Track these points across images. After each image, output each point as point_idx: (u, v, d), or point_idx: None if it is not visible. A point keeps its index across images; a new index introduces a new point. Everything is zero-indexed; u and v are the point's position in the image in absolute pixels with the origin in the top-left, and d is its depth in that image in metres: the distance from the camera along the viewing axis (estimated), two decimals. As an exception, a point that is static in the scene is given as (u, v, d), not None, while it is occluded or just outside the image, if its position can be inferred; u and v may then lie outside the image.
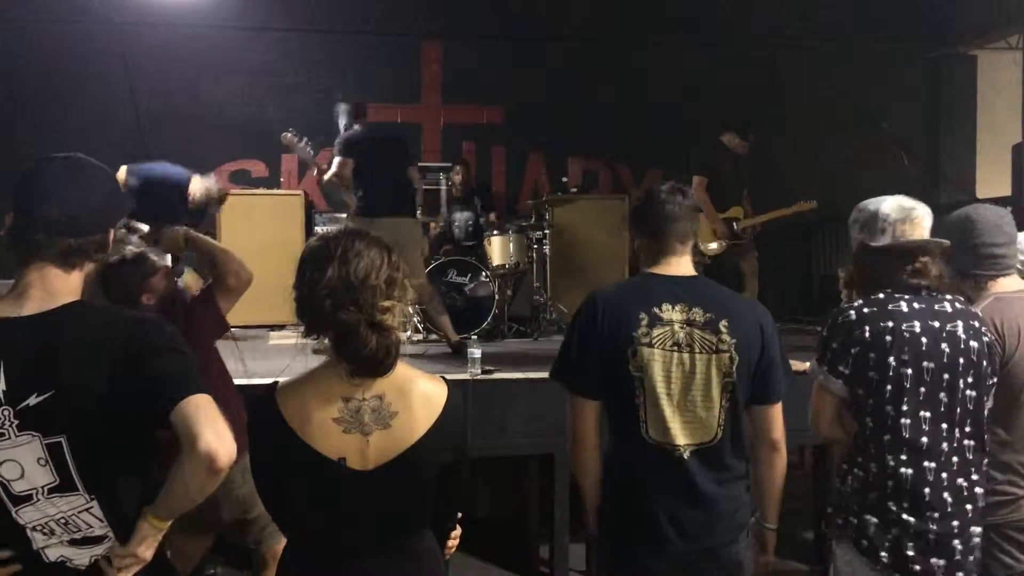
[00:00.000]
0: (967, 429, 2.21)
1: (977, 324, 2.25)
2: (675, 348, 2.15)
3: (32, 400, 1.59)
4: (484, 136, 7.92)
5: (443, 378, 1.80)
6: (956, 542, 2.17)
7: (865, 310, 2.23)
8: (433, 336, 5.87)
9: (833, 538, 2.35)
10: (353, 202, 5.41)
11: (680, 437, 2.16)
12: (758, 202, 6.23)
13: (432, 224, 7.00)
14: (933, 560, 2.16)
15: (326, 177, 5.29)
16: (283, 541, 2.94)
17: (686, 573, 2.21)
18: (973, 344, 2.21)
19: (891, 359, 2.18)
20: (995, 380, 2.28)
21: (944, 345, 2.19)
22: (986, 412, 2.25)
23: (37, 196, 1.66)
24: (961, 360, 2.20)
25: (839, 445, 2.49)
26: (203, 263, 3.25)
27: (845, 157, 7.74)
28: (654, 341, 2.14)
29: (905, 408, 2.18)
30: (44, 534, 1.65)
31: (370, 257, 1.66)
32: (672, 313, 2.17)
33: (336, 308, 1.62)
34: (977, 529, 2.22)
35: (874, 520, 2.21)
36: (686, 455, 2.16)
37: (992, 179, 8.07)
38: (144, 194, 5.22)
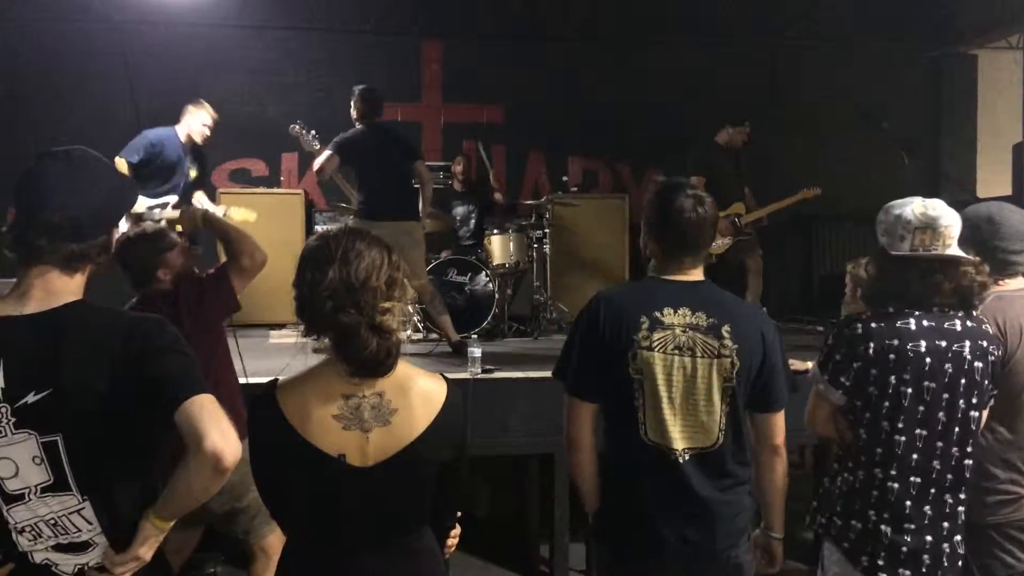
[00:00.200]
0: (967, 449, 2.20)
1: (985, 344, 2.21)
2: (676, 352, 2.14)
3: (30, 398, 1.58)
4: (484, 135, 7.90)
5: (443, 376, 1.79)
6: (925, 556, 2.18)
7: (872, 325, 2.21)
8: (433, 336, 5.86)
9: (822, 534, 2.36)
10: (354, 196, 5.41)
11: (678, 440, 2.15)
12: (758, 202, 6.23)
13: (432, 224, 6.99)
14: (900, 570, 2.17)
15: (313, 168, 5.29)
16: (273, 532, 2.98)
17: (685, 575, 2.21)
18: (978, 365, 2.19)
19: (892, 377, 2.17)
20: (995, 392, 2.26)
21: (948, 365, 2.17)
22: (983, 423, 2.25)
23: (39, 198, 1.65)
24: (963, 380, 2.17)
25: (833, 444, 2.49)
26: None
27: (845, 157, 7.73)
28: (654, 345, 2.14)
29: (901, 426, 2.17)
30: (30, 538, 1.64)
31: (371, 258, 1.66)
32: (674, 317, 2.16)
33: (337, 310, 1.62)
34: (947, 547, 2.20)
35: (858, 526, 2.23)
36: (683, 459, 2.15)
37: (993, 179, 8.07)
38: (148, 163, 5.33)
